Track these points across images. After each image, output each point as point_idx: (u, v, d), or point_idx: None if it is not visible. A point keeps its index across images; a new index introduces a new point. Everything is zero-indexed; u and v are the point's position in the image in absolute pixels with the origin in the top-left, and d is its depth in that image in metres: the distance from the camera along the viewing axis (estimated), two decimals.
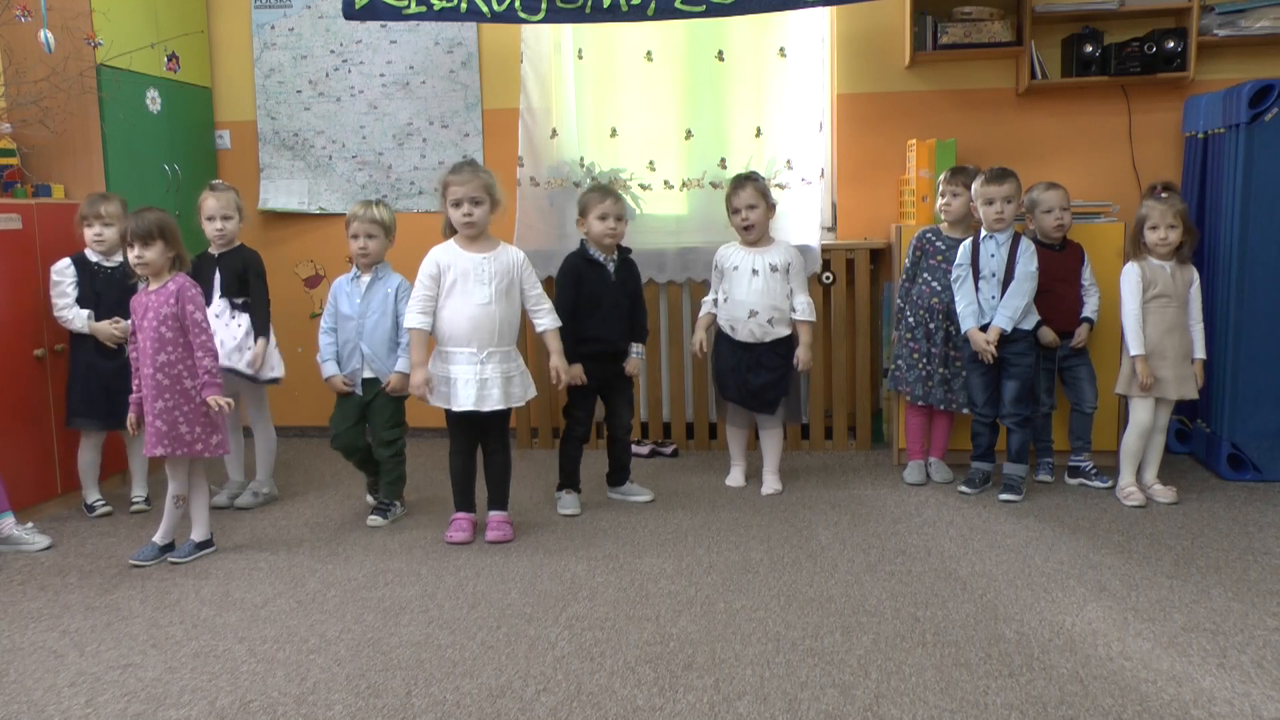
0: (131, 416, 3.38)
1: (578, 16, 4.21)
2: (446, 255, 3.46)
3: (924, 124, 4.63)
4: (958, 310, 3.92)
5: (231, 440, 4.00)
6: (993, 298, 3.84)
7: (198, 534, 3.45)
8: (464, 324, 3.41)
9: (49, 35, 3.94)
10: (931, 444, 4.17)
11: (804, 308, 3.91)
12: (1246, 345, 3.97)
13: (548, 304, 3.56)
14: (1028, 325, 3.83)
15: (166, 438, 3.28)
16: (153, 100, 4.59)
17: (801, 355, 3.90)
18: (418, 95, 4.98)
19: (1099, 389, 4.00)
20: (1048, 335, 3.89)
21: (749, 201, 3.86)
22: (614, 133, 4.83)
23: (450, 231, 3.52)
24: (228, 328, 3.89)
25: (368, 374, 3.70)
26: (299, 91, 5.04)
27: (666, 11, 4.15)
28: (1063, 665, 2.48)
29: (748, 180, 3.91)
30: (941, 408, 4.06)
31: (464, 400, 3.41)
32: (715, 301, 4.00)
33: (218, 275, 3.90)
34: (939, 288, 4.02)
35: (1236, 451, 4.02)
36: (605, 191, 3.81)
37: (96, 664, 2.63)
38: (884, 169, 4.73)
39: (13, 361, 3.78)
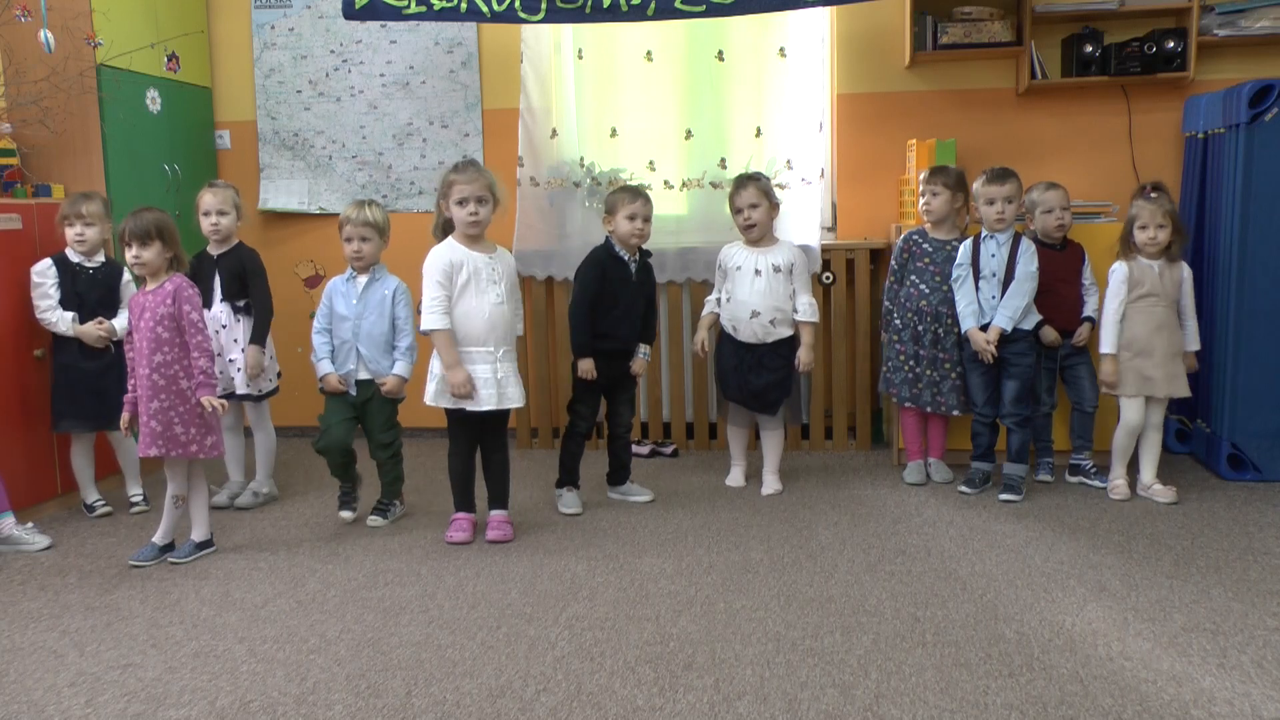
0: (125, 415, 3.37)
1: (578, 16, 4.21)
2: (457, 255, 3.44)
3: (924, 124, 4.63)
4: (958, 310, 3.92)
5: (232, 440, 4.02)
6: (993, 298, 3.84)
7: (198, 534, 3.45)
8: (480, 323, 3.42)
9: (49, 35, 3.94)
10: (929, 444, 4.16)
11: (806, 309, 3.91)
12: (1246, 345, 3.97)
13: (522, 311, 3.69)
14: (1028, 325, 3.84)
15: (161, 438, 3.28)
16: (153, 100, 4.59)
17: (803, 356, 3.90)
18: (418, 95, 4.98)
19: (1098, 389, 4.00)
20: (1050, 335, 3.89)
21: (751, 201, 3.86)
22: (614, 133, 4.83)
23: (442, 232, 3.52)
24: (237, 343, 3.89)
25: (363, 375, 3.67)
26: (299, 91, 5.04)
27: (666, 11, 4.15)
28: (1063, 665, 2.48)
29: (750, 180, 3.91)
30: (928, 409, 4.06)
31: (486, 400, 3.41)
32: (718, 301, 4.01)
33: (217, 277, 3.90)
34: (926, 290, 4.02)
35: (1236, 451, 4.01)
36: (635, 192, 3.82)
37: (96, 664, 2.63)
38: (884, 169, 4.72)
39: (12, 361, 3.78)
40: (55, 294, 3.75)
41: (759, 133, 4.70)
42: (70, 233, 3.77)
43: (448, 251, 3.45)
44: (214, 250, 3.96)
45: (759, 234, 3.90)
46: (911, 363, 4.05)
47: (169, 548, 3.40)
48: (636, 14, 4.17)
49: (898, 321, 4.09)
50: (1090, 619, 2.74)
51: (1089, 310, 3.95)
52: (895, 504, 3.84)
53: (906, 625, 2.73)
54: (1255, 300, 3.95)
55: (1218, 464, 4.07)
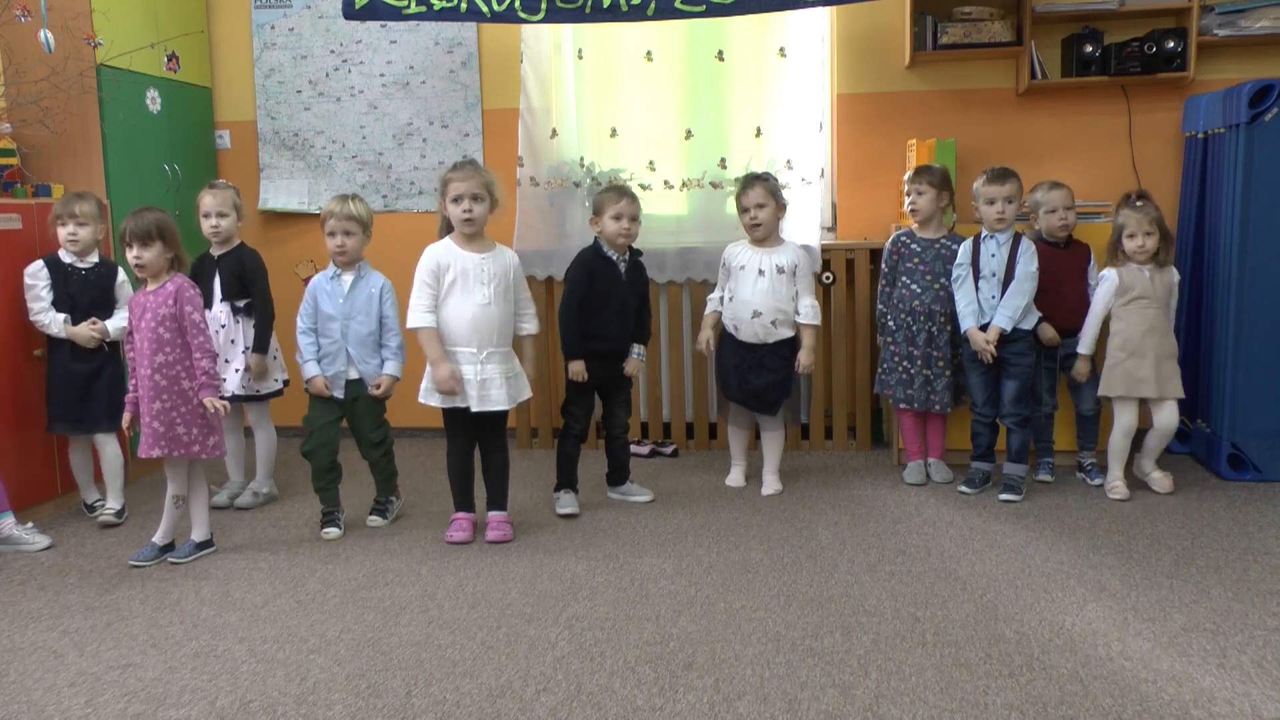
0: (127, 415, 3.37)
1: (578, 16, 4.21)
2: (446, 254, 3.45)
3: (924, 124, 4.63)
4: (958, 309, 3.92)
5: (232, 440, 4.02)
6: (993, 297, 3.84)
7: (198, 534, 3.45)
8: (464, 324, 3.42)
9: (49, 35, 3.94)
10: (929, 444, 4.17)
11: (808, 311, 3.90)
12: (1246, 345, 3.97)
13: (533, 310, 3.63)
14: (1027, 325, 3.84)
15: (164, 439, 3.28)
16: (153, 100, 4.59)
17: (803, 359, 3.90)
18: (418, 95, 4.98)
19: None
20: (1048, 332, 3.89)
21: (758, 201, 3.86)
22: (614, 133, 4.83)
23: (446, 230, 3.52)
24: (235, 344, 3.88)
25: (353, 375, 3.63)
26: (299, 91, 5.04)
27: (666, 11, 4.15)
28: (1063, 665, 2.48)
29: (758, 179, 3.91)
30: (920, 408, 4.05)
31: (469, 403, 3.42)
32: (721, 300, 4.00)
33: (217, 278, 3.90)
34: (919, 290, 4.02)
35: (1236, 451, 4.01)
36: (621, 191, 3.81)
37: (96, 664, 2.63)
38: (884, 169, 4.72)
39: (12, 362, 3.78)
40: (48, 296, 3.72)
41: (759, 133, 4.70)
42: (63, 232, 3.73)
43: (437, 251, 3.46)
44: (215, 251, 3.96)
45: (764, 234, 3.90)
46: (906, 364, 4.05)
47: (169, 548, 3.41)
48: (636, 14, 4.17)
49: (891, 323, 4.10)
50: (1090, 619, 2.74)
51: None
52: (895, 504, 3.84)
53: (906, 625, 2.73)
54: (1255, 300, 3.95)
55: (1218, 464, 4.07)
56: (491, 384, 3.43)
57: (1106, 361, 3.84)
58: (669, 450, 4.69)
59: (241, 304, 3.91)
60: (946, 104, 4.68)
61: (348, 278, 3.63)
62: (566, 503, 3.82)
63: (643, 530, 3.61)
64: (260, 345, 3.91)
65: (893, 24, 4.59)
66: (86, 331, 3.72)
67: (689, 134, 4.76)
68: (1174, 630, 2.67)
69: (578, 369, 3.74)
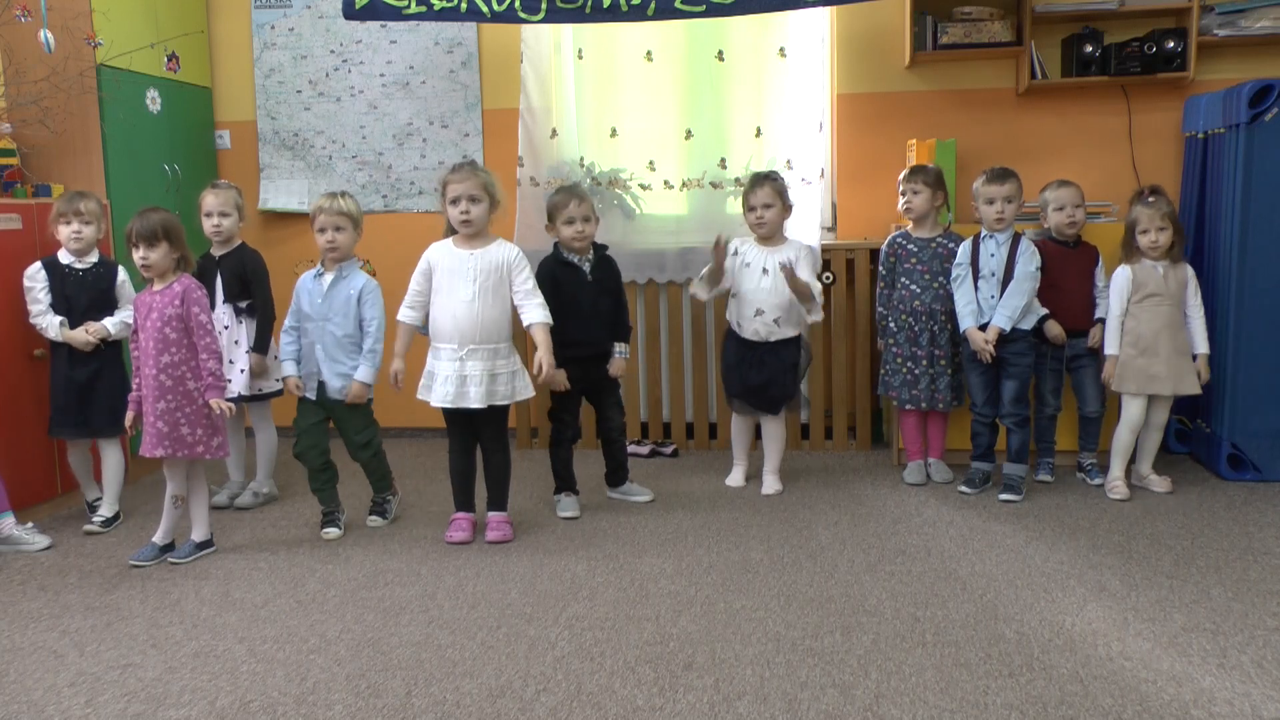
0: (130, 414, 3.37)
1: (578, 16, 4.21)
2: (437, 253, 3.47)
3: (924, 124, 4.63)
4: (957, 309, 3.92)
5: (232, 440, 4.01)
6: (992, 297, 3.84)
7: (198, 534, 3.45)
8: (447, 320, 3.42)
9: (49, 35, 3.94)
10: (929, 444, 4.17)
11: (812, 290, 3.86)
12: (1246, 345, 3.97)
13: (538, 299, 3.47)
14: (1027, 325, 3.84)
15: (168, 439, 3.28)
16: (153, 100, 4.59)
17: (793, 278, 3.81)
18: (418, 95, 4.98)
19: (1105, 394, 3.99)
20: (1054, 329, 3.89)
21: (765, 200, 3.85)
22: (614, 133, 4.83)
23: (450, 232, 3.52)
24: (238, 345, 3.88)
25: (325, 377, 3.59)
26: (299, 91, 5.04)
27: (666, 11, 4.15)
28: (1063, 665, 2.48)
29: (766, 179, 3.90)
30: (925, 407, 4.05)
31: (440, 397, 3.41)
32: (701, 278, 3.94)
33: (219, 279, 3.90)
34: (918, 289, 4.02)
35: (1236, 451, 4.01)
36: (569, 192, 3.75)
37: (96, 664, 2.63)
38: (884, 169, 4.72)
39: (12, 362, 3.78)
40: (45, 298, 3.68)
41: (759, 133, 4.70)
42: (66, 230, 3.68)
43: (430, 251, 3.49)
44: (216, 251, 3.96)
45: (769, 233, 3.89)
46: (909, 364, 4.05)
47: (169, 548, 3.41)
48: (636, 14, 4.17)
49: (892, 325, 4.10)
50: (1090, 619, 2.74)
51: (1101, 312, 3.95)
52: (895, 504, 3.84)
53: (906, 625, 2.73)
54: (1255, 300, 3.95)
55: (1218, 464, 4.07)
56: (470, 382, 3.39)
57: (1119, 358, 3.84)
58: (669, 450, 4.69)
59: (244, 304, 3.91)
60: (946, 104, 4.68)
61: (328, 277, 3.58)
62: (567, 505, 3.81)
63: (643, 530, 3.61)
64: (260, 345, 3.90)
65: (893, 24, 4.59)
66: (82, 336, 3.67)
67: (689, 134, 4.76)
68: (1174, 630, 2.67)
69: (559, 379, 3.67)
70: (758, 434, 4.16)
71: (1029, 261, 3.81)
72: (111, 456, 3.80)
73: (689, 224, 4.81)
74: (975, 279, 3.88)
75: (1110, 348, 3.84)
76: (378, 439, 3.72)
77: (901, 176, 4.11)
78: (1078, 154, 4.60)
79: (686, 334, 4.77)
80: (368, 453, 3.68)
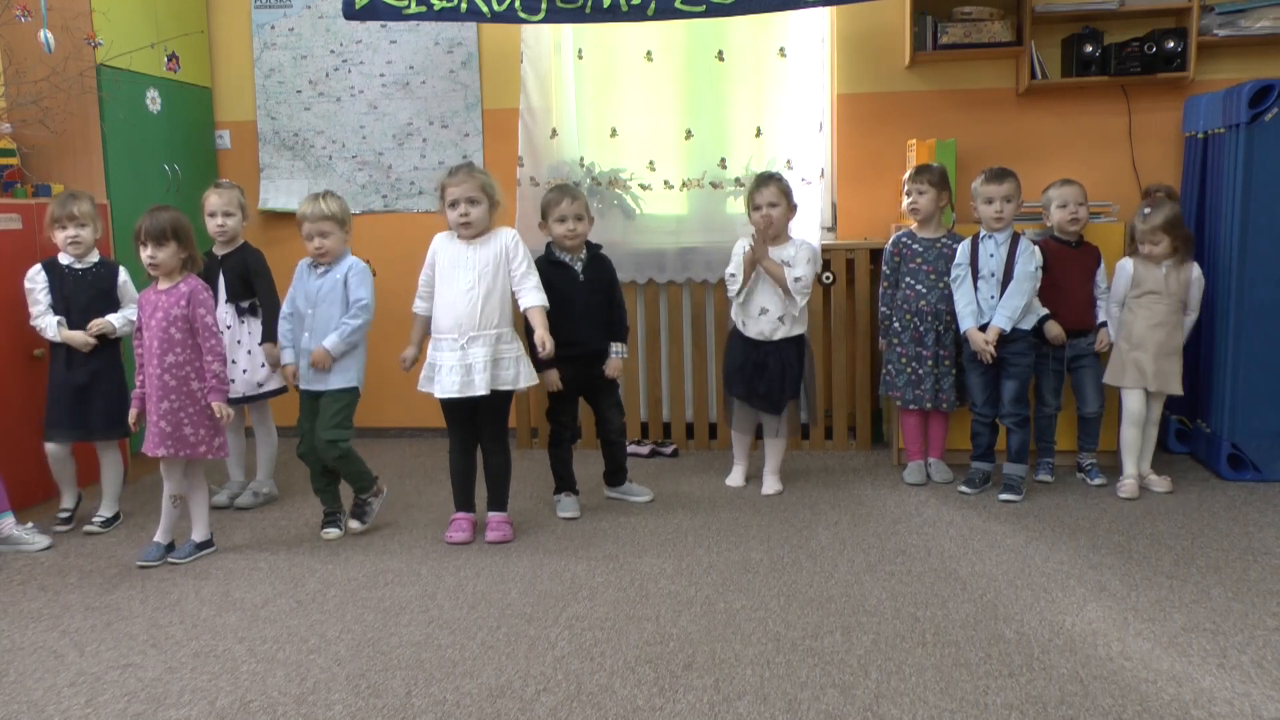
0: (133, 412, 3.37)
1: (578, 16, 4.21)
2: (441, 243, 3.51)
3: (924, 124, 4.63)
4: (957, 310, 3.92)
5: (233, 440, 4.02)
6: (991, 298, 3.84)
7: (198, 534, 3.45)
8: (446, 311, 3.43)
9: (49, 35, 3.94)
10: (930, 444, 4.16)
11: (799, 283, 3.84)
12: (1246, 345, 3.97)
13: (533, 281, 3.46)
14: (1027, 325, 3.84)
15: (171, 439, 3.28)
16: (153, 100, 4.59)
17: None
18: (418, 95, 4.98)
19: (1104, 394, 4.00)
20: (1054, 329, 3.89)
21: (770, 200, 3.84)
22: (614, 133, 4.83)
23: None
24: (240, 345, 3.87)
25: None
26: (299, 91, 5.04)
27: (666, 11, 4.15)
28: (1063, 665, 2.48)
29: (770, 179, 3.89)
30: (930, 407, 4.05)
31: (447, 387, 3.39)
32: (733, 276, 3.90)
33: (221, 278, 3.90)
34: (924, 289, 4.02)
35: (1236, 451, 4.01)
36: (562, 191, 3.74)
37: (96, 664, 2.63)
38: (884, 169, 4.72)
39: (12, 362, 3.78)
40: (45, 299, 3.65)
41: (759, 133, 4.70)
42: (62, 236, 3.64)
43: (436, 240, 3.53)
44: (218, 250, 3.96)
45: (775, 233, 3.88)
46: (914, 364, 4.04)
47: (171, 546, 3.41)
48: (636, 14, 4.17)
49: (897, 325, 4.09)
50: (1090, 619, 2.74)
51: (1104, 316, 3.96)
52: (895, 504, 3.84)
53: (906, 625, 2.73)
54: (1255, 300, 3.95)
55: (1218, 464, 4.07)
56: (474, 369, 3.38)
57: (1112, 352, 3.91)
58: (669, 450, 4.69)
59: (246, 304, 3.91)
60: (946, 104, 4.68)
61: (321, 268, 3.56)
62: (567, 506, 3.81)
63: (643, 530, 3.61)
64: (271, 334, 3.87)
65: (893, 24, 4.59)
66: (81, 336, 3.63)
67: (689, 134, 4.76)
68: (1174, 630, 2.67)
69: (551, 379, 3.68)
70: (758, 433, 4.16)
71: (1029, 261, 3.81)
72: (109, 458, 3.78)
73: (689, 224, 4.81)
74: (975, 279, 3.88)
75: (1112, 331, 3.93)
76: (346, 443, 3.53)
77: (906, 176, 4.11)
78: (1078, 154, 4.60)
79: (686, 334, 4.77)
80: (333, 452, 3.51)
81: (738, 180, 4.68)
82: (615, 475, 4.01)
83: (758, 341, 3.90)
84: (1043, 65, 4.45)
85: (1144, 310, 3.81)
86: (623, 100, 4.80)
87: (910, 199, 4.05)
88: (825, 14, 4.64)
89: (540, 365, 3.61)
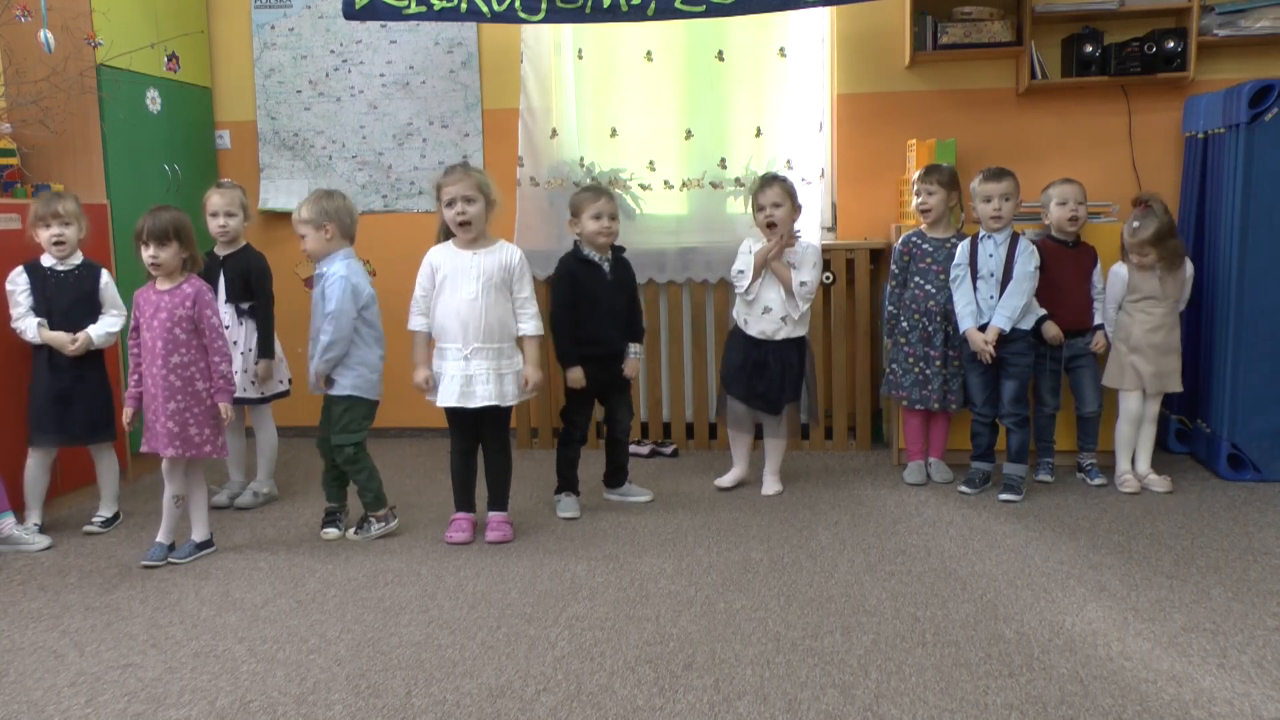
0: (128, 411, 3.37)
1: (578, 16, 4.21)
2: (440, 255, 3.47)
3: (924, 124, 4.63)
4: (956, 310, 3.92)
5: (233, 440, 4.02)
6: (991, 298, 3.84)
7: (198, 534, 3.45)
8: (452, 320, 3.42)
9: (49, 35, 3.94)
10: (930, 444, 4.16)
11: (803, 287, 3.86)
12: (1246, 345, 3.97)
13: (533, 309, 3.50)
14: (1026, 325, 3.84)
15: (178, 439, 3.28)
16: (153, 100, 4.59)
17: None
18: (418, 95, 4.98)
19: (1102, 394, 4.01)
20: (1051, 330, 3.89)
21: (774, 200, 3.84)
22: (614, 133, 4.83)
23: (444, 235, 3.51)
24: (236, 345, 3.86)
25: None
26: (299, 91, 5.05)
27: (666, 11, 4.15)
28: (1063, 665, 2.48)
29: (775, 179, 3.89)
30: (937, 408, 4.05)
31: (446, 396, 3.41)
32: (741, 273, 3.90)
33: (222, 279, 3.90)
34: (933, 290, 4.01)
35: (1236, 451, 4.01)
36: (599, 191, 3.79)
37: (96, 664, 2.63)
38: (884, 169, 4.72)
39: (11, 363, 3.77)
40: (26, 302, 3.57)
41: (759, 133, 4.70)
42: (46, 235, 3.56)
43: (433, 254, 3.48)
44: (220, 251, 3.96)
45: (779, 234, 3.87)
46: (922, 364, 4.04)
47: (172, 547, 3.41)
48: (636, 14, 4.17)
49: (905, 324, 4.09)
50: (1090, 619, 2.74)
51: (1100, 316, 3.97)
52: (895, 504, 3.84)
53: (906, 625, 2.73)
54: (1255, 300, 3.95)
55: (1218, 464, 4.07)
56: (476, 380, 3.40)
57: (1110, 354, 3.93)
58: (669, 450, 4.69)
59: (245, 305, 3.91)
60: (946, 104, 4.68)
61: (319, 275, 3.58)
62: (568, 506, 3.81)
63: (643, 530, 3.61)
64: (267, 350, 3.90)
65: (893, 24, 4.59)
66: (64, 337, 3.55)
67: (689, 134, 4.76)
68: (1174, 630, 2.67)
69: (576, 376, 3.71)
70: (758, 434, 4.15)
71: (1028, 261, 3.81)
72: (104, 458, 3.75)
73: (689, 224, 4.81)
74: (974, 279, 3.88)
75: (1108, 326, 3.96)
76: (352, 450, 3.53)
77: (916, 176, 4.10)
78: (1078, 154, 4.60)
79: (686, 334, 4.77)
80: (340, 457, 3.54)
81: (738, 180, 4.68)
82: (616, 475, 4.00)
83: (759, 340, 3.89)
84: (1043, 65, 4.45)
85: (1141, 314, 3.84)
86: (623, 100, 4.80)
87: (920, 199, 4.04)
88: (825, 14, 4.64)
89: (566, 365, 3.68)
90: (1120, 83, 4.47)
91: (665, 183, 4.81)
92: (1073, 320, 3.94)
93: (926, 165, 4.12)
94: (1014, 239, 3.85)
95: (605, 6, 4.15)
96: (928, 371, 4.03)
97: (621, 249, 3.87)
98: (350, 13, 4.31)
